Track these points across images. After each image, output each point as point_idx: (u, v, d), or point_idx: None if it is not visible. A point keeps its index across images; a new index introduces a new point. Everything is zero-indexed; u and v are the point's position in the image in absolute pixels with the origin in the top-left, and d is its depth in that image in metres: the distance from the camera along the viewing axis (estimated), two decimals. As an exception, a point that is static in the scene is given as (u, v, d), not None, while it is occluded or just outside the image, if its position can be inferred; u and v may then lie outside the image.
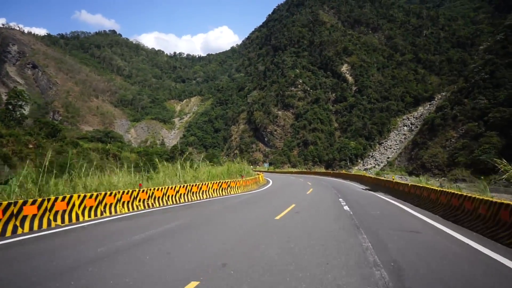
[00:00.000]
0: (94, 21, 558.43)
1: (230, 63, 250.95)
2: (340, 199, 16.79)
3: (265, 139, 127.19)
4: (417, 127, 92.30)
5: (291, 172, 67.54)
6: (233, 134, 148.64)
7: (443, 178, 48.77)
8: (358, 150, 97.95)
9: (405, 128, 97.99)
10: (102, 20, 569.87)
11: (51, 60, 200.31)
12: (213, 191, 17.63)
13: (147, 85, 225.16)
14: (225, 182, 19.06)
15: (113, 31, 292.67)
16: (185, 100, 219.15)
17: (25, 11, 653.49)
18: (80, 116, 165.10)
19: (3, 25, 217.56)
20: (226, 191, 18.89)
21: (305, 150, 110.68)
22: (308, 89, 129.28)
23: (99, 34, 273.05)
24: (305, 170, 73.69)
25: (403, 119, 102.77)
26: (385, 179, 25.19)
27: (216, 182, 18.27)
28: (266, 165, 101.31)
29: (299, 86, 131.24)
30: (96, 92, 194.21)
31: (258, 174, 32.60)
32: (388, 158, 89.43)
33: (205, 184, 17.03)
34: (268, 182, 32.95)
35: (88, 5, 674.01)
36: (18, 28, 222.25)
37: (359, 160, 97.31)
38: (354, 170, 76.46)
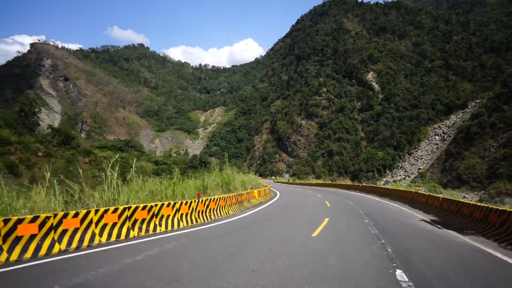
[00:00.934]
0: (124, 36, 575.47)
1: (254, 74, 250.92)
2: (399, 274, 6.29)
3: (289, 149, 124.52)
4: (450, 136, 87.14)
5: (311, 184, 59.91)
6: (256, 144, 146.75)
7: (482, 191, 44.59)
8: (386, 160, 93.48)
9: (437, 137, 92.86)
10: (133, 35, 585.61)
11: (81, 72, 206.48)
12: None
13: (172, 96, 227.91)
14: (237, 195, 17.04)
15: (141, 45, 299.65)
16: (209, 111, 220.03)
17: (61, 29, 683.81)
18: (107, 127, 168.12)
19: (38, 40, 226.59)
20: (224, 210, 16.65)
21: (330, 160, 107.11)
22: (333, 97, 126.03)
23: (128, 48, 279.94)
24: (329, 182, 62.74)
25: (434, 128, 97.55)
26: (471, 202, 13.12)
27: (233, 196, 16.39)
28: (286, 175, 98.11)
29: (323, 94, 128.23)
30: (123, 103, 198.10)
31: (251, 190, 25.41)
32: (419, 169, 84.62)
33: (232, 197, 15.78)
34: (262, 201, 22.41)
35: (120, 21, 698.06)
36: (52, 43, 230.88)
37: (387, 171, 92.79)
38: (390, 184, 72.24)
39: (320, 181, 67.31)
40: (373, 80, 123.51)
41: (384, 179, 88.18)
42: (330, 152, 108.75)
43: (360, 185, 41.33)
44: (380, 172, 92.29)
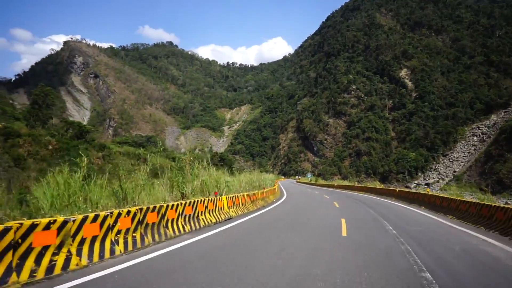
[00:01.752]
0: (156, 36, 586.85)
1: (282, 72, 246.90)
2: None
3: (314, 148, 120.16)
4: (489, 137, 79.88)
5: (333, 186, 51.13)
6: (281, 143, 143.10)
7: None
8: (419, 162, 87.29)
9: (475, 138, 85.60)
10: (163, 34, 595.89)
11: (111, 70, 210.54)
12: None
13: (199, 94, 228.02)
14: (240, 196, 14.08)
15: (170, 43, 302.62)
16: (235, 109, 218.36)
17: (96, 29, 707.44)
18: (134, 123, 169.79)
19: (71, 38, 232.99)
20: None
21: (357, 161, 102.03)
22: (362, 95, 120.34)
23: (157, 46, 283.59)
24: (355, 185, 47.63)
25: (473, 128, 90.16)
26: None
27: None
28: (309, 175, 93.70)
29: (353, 92, 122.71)
30: (150, 100, 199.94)
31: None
32: (455, 172, 78.08)
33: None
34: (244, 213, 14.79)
35: (151, 20, 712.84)
36: (84, 41, 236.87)
37: (419, 174, 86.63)
38: (423, 188, 66.83)
39: (344, 182, 57.63)
40: (407, 77, 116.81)
41: (416, 182, 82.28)
42: (358, 152, 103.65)
43: (397, 189, 28.25)
44: (412, 174, 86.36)
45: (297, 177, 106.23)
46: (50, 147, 35.47)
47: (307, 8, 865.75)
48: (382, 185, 36.86)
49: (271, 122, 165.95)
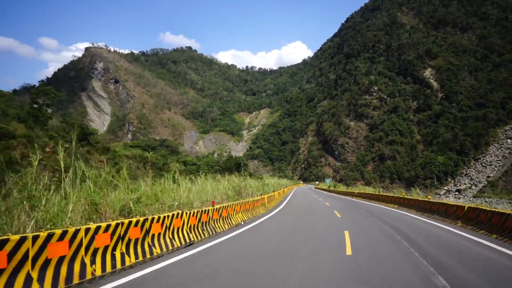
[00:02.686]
0: (176, 42, 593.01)
1: (301, 75, 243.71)
2: None
3: (336, 152, 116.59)
4: (526, 139, 74.80)
5: (352, 194, 40.91)
6: (301, 147, 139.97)
7: None
8: (448, 166, 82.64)
9: (509, 140, 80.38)
10: (184, 40, 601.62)
11: (131, 75, 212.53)
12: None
13: (218, 98, 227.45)
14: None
15: (189, 47, 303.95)
16: (254, 113, 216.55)
17: (119, 37, 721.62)
18: (152, 128, 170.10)
19: (92, 44, 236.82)
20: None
21: (381, 165, 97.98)
22: (385, 97, 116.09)
23: (176, 51, 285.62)
24: (382, 194, 33.85)
25: (506, 130, 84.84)
26: None
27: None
28: (328, 181, 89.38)
29: (374, 94, 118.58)
30: (169, 104, 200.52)
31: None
32: (489, 177, 73.22)
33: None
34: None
35: (172, 27, 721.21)
36: (105, 47, 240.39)
37: (449, 179, 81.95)
38: (452, 197, 62.69)
39: (368, 190, 45.98)
40: (431, 77, 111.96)
41: (445, 188, 77.77)
42: (382, 156, 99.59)
43: (467, 207, 13.89)
44: (441, 180, 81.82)
45: (316, 182, 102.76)
46: (48, 149, 33.95)
47: (326, 11, 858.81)
48: (419, 195, 22.30)
49: (290, 125, 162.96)
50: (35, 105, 35.01)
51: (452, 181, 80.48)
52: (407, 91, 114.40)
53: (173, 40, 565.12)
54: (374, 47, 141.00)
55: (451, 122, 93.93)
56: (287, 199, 31.17)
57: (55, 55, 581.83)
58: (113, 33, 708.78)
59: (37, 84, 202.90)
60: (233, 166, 63.97)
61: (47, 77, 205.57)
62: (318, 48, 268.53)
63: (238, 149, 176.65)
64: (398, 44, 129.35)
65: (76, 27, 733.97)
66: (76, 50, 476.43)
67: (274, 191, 28.98)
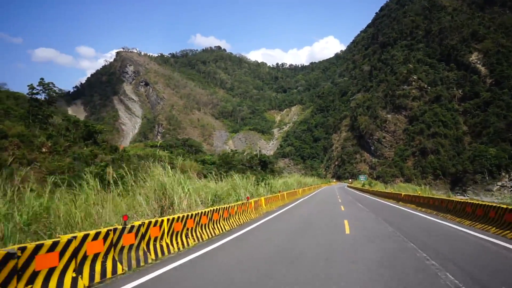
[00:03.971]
0: (207, 43, 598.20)
1: (334, 69, 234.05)
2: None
3: (371, 147, 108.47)
4: None
5: (398, 197, 24.76)
6: (334, 143, 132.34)
7: None
8: (501, 159, 72.74)
9: None
10: (215, 41, 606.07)
11: (160, 77, 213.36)
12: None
13: (248, 97, 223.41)
14: None
15: (218, 47, 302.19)
16: (285, 110, 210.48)
17: (150, 40, 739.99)
18: (181, 128, 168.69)
19: (123, 48, 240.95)
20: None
21: (422, 160, 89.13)
22: (425, 86, 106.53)
23: (205, 51, 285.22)
24: (431, 196, 19.09)
25: None
26: None
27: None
28: (362, 178, 78.67)
29: (414, 83, 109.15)
30: (198, 105, 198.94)
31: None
32: (552, 170, 63.07)
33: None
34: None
35: (203, 29, 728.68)
36: (135, 51, 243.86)
37: (503, 173, 71.99)
38: None
39: (415, 190, 32.70)
40: (478, 61, 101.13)
41: (499, 183, 68.18)
42: (423, 150, 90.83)
43: None
44: (493, 174, 71.99)
45: (349, 180, 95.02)
46: (44, 150, 30.16)
47: (358, 2, 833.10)
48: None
49: (323, 121, 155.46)
50: (34, 102, 31.93)
51: (507, 176, 70.54)
52: (450, 78, 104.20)
53: (204, 42, 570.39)
54: (412, 34, 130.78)
55: (503, 110, 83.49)
56: (285, 208, 21.31)
57: (92, 63, 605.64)
58: (146, 39, 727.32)
59: (71, 90, 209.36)
60: (257, 165, 58.74)
61: (81, 83, 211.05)
62: (351, 41, 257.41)
63: (269, 147, 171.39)
64: (439, 28, 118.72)
65: (111, 35, 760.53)
66: (112, 57, 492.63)
67: (279, 192, 22.83)
